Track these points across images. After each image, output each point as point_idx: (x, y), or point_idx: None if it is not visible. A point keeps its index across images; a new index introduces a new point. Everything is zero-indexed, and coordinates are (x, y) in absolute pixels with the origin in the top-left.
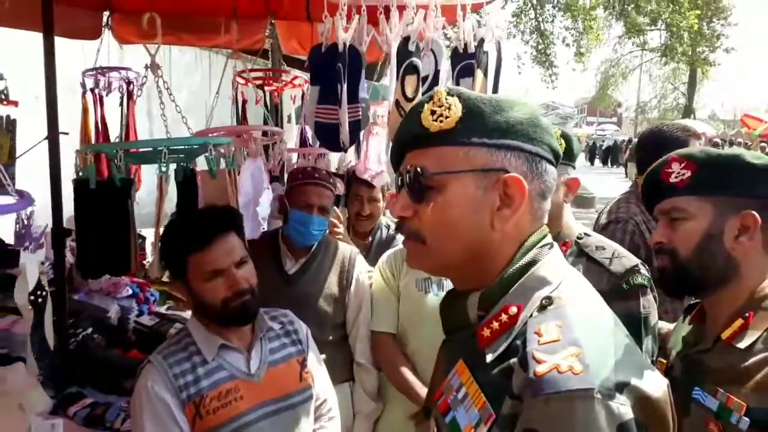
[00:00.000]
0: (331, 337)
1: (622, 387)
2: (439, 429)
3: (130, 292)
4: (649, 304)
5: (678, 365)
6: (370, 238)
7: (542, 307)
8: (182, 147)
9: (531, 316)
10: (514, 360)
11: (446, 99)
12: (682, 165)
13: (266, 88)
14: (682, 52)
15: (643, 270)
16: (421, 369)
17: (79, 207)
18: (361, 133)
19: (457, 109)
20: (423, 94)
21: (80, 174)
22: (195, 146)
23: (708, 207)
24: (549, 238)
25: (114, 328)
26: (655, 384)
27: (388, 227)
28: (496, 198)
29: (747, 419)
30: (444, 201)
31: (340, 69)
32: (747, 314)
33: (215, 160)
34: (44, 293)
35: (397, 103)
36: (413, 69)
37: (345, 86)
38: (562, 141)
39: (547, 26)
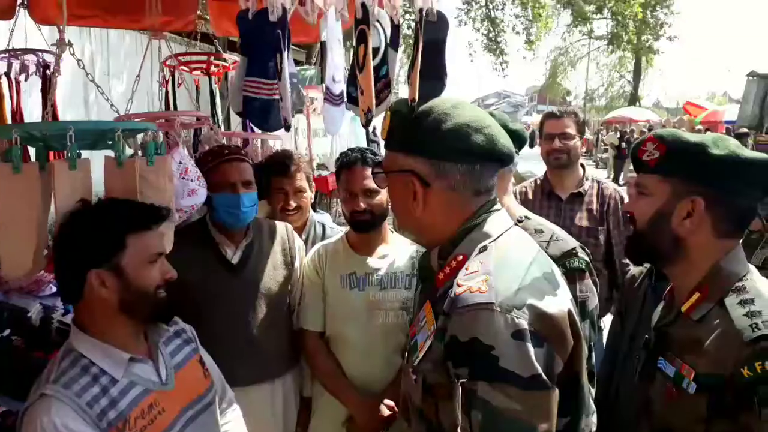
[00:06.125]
0: (288, 320)
1: (521, 305)
2: (408, 354)
3: (54, 290)
4: (586, 288)
5: (652, 338)
6: (303, 236)
7: (478, 253)
8: (89, 133)
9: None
10: (450, 289)
11: None
12: (654, 145)
13: (181, 68)
14: (627, 40)
15: (582, 253)
16: (348, 366)
17: None
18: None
19: None
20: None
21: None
22: (104, 130)
23: (666, 187)
24: (496, 206)
25: (35, 329)
26: (554, 305)
27: (323, 225)
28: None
29: (694, 384)
30: None
31: (279, 36)
32: (703, 288)
33: (122, 147)
34: None
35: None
36: (363, 38)
37: (287, 54)
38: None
39: (498, 14)
